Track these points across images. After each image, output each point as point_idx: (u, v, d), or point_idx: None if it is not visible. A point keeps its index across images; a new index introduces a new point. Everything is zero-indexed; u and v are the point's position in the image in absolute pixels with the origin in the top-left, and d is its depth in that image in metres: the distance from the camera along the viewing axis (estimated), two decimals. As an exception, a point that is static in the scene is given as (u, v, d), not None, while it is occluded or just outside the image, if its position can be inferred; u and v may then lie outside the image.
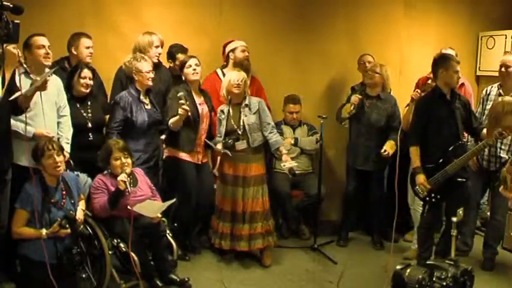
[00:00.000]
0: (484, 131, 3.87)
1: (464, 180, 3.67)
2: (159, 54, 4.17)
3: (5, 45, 2.64)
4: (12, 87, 2.90)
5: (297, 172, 4.73)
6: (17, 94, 2.92)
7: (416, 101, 3.93)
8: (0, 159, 3.09)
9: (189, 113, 3.84)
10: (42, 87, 3.13)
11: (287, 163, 3.96)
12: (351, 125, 4.59)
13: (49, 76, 3.21)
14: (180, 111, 3.78)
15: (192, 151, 4.04)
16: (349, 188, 4.64)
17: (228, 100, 4.08)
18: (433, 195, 3.67)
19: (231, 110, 4.05)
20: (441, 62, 3.71)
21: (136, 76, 3.83)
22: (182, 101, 3.78)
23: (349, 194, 4.66)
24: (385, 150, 4.29)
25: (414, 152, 3.73)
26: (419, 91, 4.28)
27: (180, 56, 4.32)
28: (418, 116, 3.79)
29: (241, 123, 4.01)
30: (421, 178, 3.66)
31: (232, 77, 4.00)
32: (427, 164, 3.68)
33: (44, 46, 3.42)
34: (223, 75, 4.49)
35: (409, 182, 3.90)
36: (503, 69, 4.04)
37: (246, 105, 4.04)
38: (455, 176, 3.63)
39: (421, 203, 4.07)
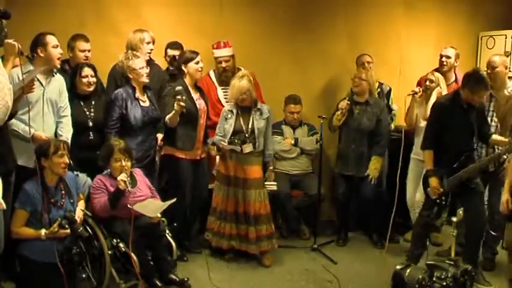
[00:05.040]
0: (493, 136, 3.85)
1: (474, 186, 3.70)
2: (151, 50, 4.16)
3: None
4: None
5: (296, 172, 4.80)
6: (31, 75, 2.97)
7: (432, 105, 3.94)
8: (5, 160, 3.09)
9: (184, 110, 3.84)
10: (28, 88, 3.03)
11: (268, 185, 4.18)
12: (340, 132, 4.60)
13: (36, 77, 3.13)
14: (176, 106, 3.79)
15: (191, 149, 4.04)
16: (339, 192, 4.64)
17: (235, 102, 4.09)
18: (443, 198, 3.68)
19: (239, 111, 4.06)
20: (471, 83, 3.61)
21: (131, 74, 3.83)
22: (179, 97, 3.79)
23: (340, 199, 4.67)
24: (371, 178, 4.40)
25: (428, 155, 3.77)
26: (421, 89, 4.30)
27: (170, 51, 4.36)
28: (433, 121, 3.80)
29: (250, 127, 4.03)
30: (434, 181, 3.68)
31: (239, 92, 3.98)
32: (441, 168, 3.70)
33: (58, 46, 3.47)
34: (215, 77, 4.51)
35: (422, 184, 3.92)
36: (489, 70, 4.05)
37: (258, 110, 4.08)
38: (468, 182, 3.65)
39: (420, 203, 4.08)
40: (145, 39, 4.13)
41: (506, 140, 3.73)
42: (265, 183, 4.18)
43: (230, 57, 4.46)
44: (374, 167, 4.40)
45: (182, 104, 3.79)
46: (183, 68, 4.05)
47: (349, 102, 4.40)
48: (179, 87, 3.86)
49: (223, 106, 4.36)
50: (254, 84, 4.17)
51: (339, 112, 4.43)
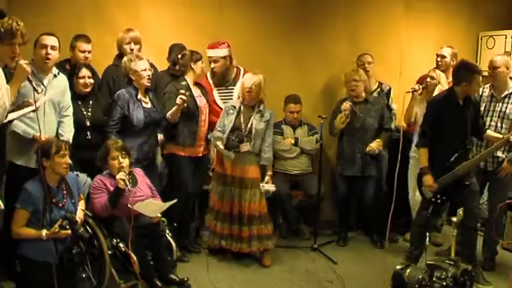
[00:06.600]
0: (488, 132, 3.88)
1: (469, 183, 3.70)
2: (131, 50, 4.10)
3: (17, 59, 2.75)
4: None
5: (296, 172, 4.79)
6: (30, 109, 2.93)
7: (428, 103, 3.94)
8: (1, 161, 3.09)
9: (185, 104, 3.83)
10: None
11: (266, 185, 4.06)
12: (342, 133, 4.57)
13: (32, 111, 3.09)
14: (178, 100, 3.79)
15: (193, 145, 4.06)
16: (340, 192, 4.65)
17: (241, 99, 4.09)
18: (438, 196, 3.68)
19: (242, 108, 4.06)
20: (466, 73, 3.63)
21: (133, 76, 3.84)
22: (182, 91, 3.79)
23: (341, 199, 4.69)
24: (370, 148, 4.38)
25: (423, 153, 3.76)
26: (421, 86, 4.31)
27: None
28: (428, 119, 3.79)
29: (249, 126, 4.02)
30: (428, 179, 3.67)
31: (245, 81, 4.02)
32: (435, 166, 3.69)
33: (46, 46, 3.41)
34: (211, 78, 4.47)
35: (417, 182, 3.91)
36: (490, 70, 4.04)
37: (260, 111, 4.06)
38: (462, 179, 3.64)
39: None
40: (124, 40, 4.14)
41: (500, 135, 3.75)
42: (263, 184, 4.07)
43: (220, 59, 4.35)
44: (375, 144, 4.39)
45: (184, 97, 3.78)
46: (192, 65, 4.06)
47: (351, 104, 4.38)
48: (183, 83, 3.91)
49: (220, 107, 4.36)
50: None
51: (342, 114, 4.39)
